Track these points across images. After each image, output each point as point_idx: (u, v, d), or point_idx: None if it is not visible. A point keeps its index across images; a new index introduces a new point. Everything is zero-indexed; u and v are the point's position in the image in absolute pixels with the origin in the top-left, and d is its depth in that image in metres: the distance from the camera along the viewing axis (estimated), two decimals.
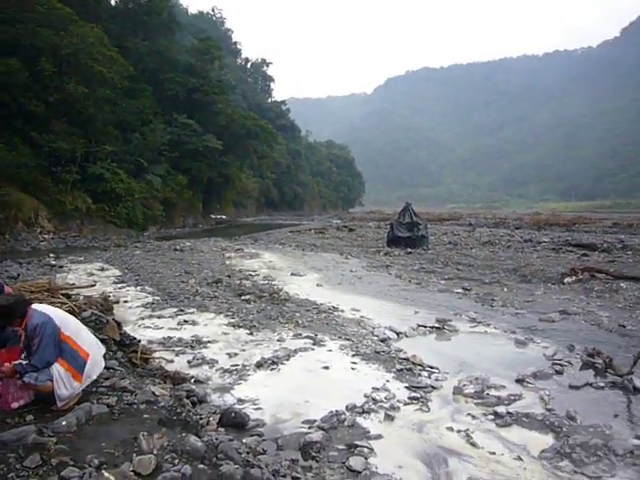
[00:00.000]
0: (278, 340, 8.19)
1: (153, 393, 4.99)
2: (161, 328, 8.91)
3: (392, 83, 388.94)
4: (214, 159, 51.37)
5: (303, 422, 5.14)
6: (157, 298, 11.48)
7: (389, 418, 5.26)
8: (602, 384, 6.53)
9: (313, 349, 7.73)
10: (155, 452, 3.72)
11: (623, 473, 4.44)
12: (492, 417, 5.40)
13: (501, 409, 5.53)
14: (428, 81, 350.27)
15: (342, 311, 10.39)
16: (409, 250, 21.74)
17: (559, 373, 6.88)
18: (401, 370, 6.76)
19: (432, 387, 6.15)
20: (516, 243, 23.64)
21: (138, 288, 12.82)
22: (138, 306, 10.69)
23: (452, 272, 15.75)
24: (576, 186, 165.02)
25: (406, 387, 6.15)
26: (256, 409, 5.46)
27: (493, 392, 6.08)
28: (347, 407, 5.46)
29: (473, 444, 4.79)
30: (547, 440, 4.99)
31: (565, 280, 13.18)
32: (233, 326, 9.10)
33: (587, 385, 6.50)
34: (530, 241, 24.32)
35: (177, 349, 7.62)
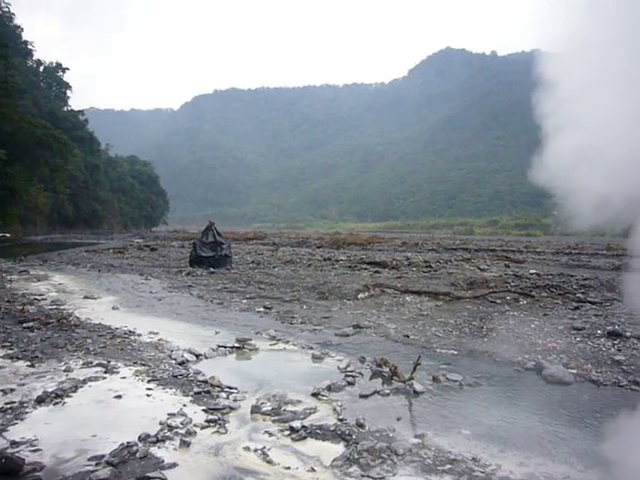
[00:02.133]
0: (65, 370, 7.51)
1: None
2: None
3: (200, 101, 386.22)
4: None
5: (89, 459, 4.75)
6: None
7: (185, 444, 5.11)
8: (388, 391, 7.09)
9: (105, 377, 7.23)
10: None
11: (403, 471, 4.85)
12: (288, 432, 5.54)
13: (296, 424, 5.70)
14: (236, 102, 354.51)
15: (139, 335, 9.92)
16: (212, 270, 21.62)
17: (351, 384, 7.30)
18: (199, 393, 6.63)
19: (230, 408, 6.12)
20: (316, 262, 24.81)
21: None
22: None
23: (254, 291, 15.99)
24: (372, 208, 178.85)
25: (203, 410, 6.04)
26: (34, 451, 4.92)
27: (290, 407, 6.25)
28: (140, 437, 5.17)
29: (269, 461, 4.86)
30: (338, 449, 5.26)
31: (359, 296, 14.14)
32: (11, 358, 8.12)
33: (375, 393, 7.00)
34: (329, 259, 25.71)
35: None
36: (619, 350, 8.77)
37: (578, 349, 9.03)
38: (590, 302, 12.93)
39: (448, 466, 4.93)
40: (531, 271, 19.08)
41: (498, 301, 13.12)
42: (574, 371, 7.89)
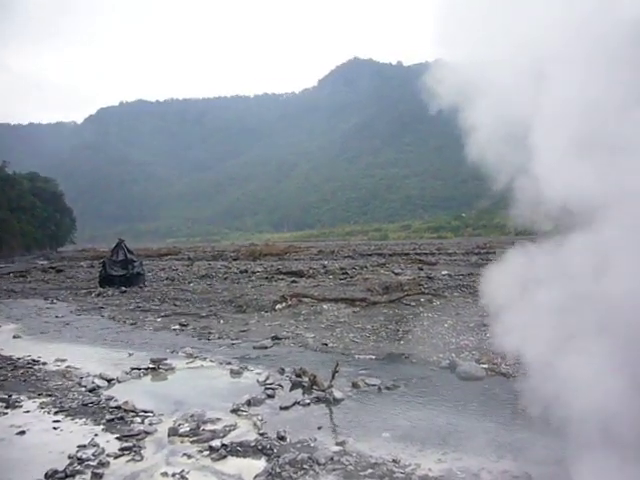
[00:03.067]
0: None
1: None
2: None
3: (105, 113, 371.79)
4: None
5: None
6: None
7: (97, 477, 4.83)
8: (308, 400, 7.08)
9: (6, 413, 6.75)
10: None
11: None
12: (207, 452, 5.39)
13: (216, 442, 5.55)
14: (143, 114, 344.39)
15: (44, 363, 9.35)
16: (124, 289, 20.84)
17: (271, 397, 7.23)
18: (112, 420, 6.31)
19: (146, 432, 5.88)
20: (232, 274, 24.53)
21: None
22: None
23: (169, 308, 15.57)
24: (287, 217, 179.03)
25: (117, 438, 5.75)
26: None
27: (209, 426, 6.09)
28: (47, 475, 4.83)
29: None
30: (260, 464, 5.17)
31: (276, 307, 14.08)
32: None
33: (296, 404, 6.97)
34: (246, 272, 25.48)
35: None
36: None
37: (489, 344, 9.39)
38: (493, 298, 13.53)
39: (369, 470, 4.96)
40: (443, 272, 19.78)
41: (413, 303, 13.48)
42: (485, 366, 8.21)
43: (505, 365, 8.19)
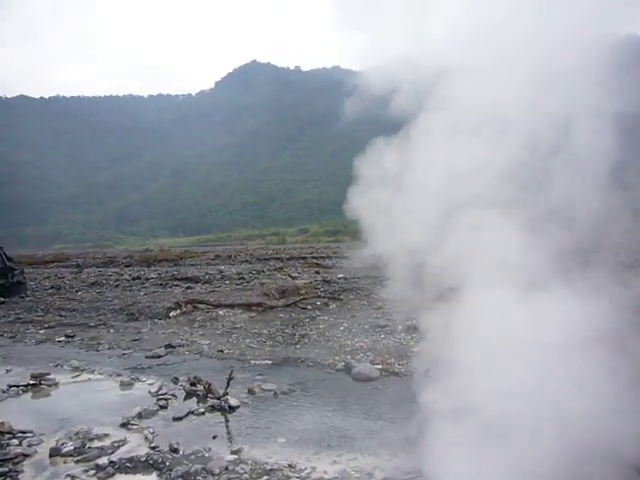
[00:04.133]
0: None
1: None
2: None
3: None
4: None
5: None
6: None
7: None
8: (203, 410, 6.91)
9: None
10: None
11: None
12: (94, 472, 5.10)
13: (103, 460, 5.27)
14: (27, 111, 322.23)
15: None
16: (2, 299, 19.33)
17: (164, 408, 7.00)
18: None
19: (24, 455, 5.45)
20: (124, 282, 23.52)
21: None
22: None
23: (54, 319, 14.62)
24: (184, 222, 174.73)
25: None
26: None
27: (96, 443, 5.78)
28: None
29: None
30: None
31: (171, 314, 13.66)
32: None
33: (190, 414, 6.78)
34: (139, 278, 24.52)
35: None
36: (416, 342, 9.57)
37: (382, 345, 9.68)
38: (392, 300, 13.95)
39: (265, 477, 4.92)
40: (339, 275, 20.09)
41: (309, 307, 13.59)
42: (380, 366, 8.42)
43: (398, 365, 8.46)
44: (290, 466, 5.14)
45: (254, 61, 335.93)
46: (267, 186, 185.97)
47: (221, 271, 25.35)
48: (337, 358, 9.02)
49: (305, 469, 5.09)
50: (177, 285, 20.57)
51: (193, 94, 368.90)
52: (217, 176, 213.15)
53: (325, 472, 5.00)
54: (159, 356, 9.80)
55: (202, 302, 14.53)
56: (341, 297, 14.72)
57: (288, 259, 32.68)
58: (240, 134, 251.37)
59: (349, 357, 8.99)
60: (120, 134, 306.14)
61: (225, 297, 15.71)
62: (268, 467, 5.13)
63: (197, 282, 20.98)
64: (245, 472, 5.03)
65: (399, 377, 7.96)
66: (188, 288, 19.26)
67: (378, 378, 8.00)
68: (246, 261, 33.93)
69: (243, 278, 21.37)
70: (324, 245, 60.32)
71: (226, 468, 5.12)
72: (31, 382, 8.18)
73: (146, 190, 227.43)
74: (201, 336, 11.36)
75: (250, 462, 5.24)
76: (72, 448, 5.59)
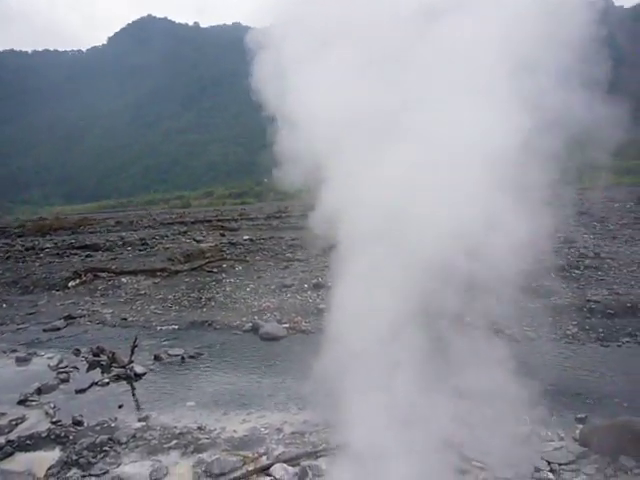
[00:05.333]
0: None
1: None
2: None
3: None
4: None
5: None
6: None
7: None
8: (107, 380, 6.75)
9: None
10: None
11: (128, 459, 4.68)
12: None
13: (0, 440, 5.05)
14: None
15: None
16: None
17: (65, 381, 6.76)
18: None
19: None
20: (17, 253, 22.08)
21: None
22: None
23: None
24: (80, 188, 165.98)
25: None
26: None
27: None
28: None
29: None
30: (54, 455, 4.83)
31: (69, 284, 13.06)
32: None
33: (93, 385, 6.61)
34: (32, 249, 23.08)
35: None
36: (322, 300, 9.77)
37: (289, 304, 9.80)
38: (298, 260, 14.10)
39: (174, 441, 4.92)
40: (245, 237, 20.00)
41: (215, 270, 13.46)
42: (287, 325, 8.55)
43: (305, 323, 8.62)
44: (200, 428, 5.17)
45: (149, 15, 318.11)
46: (169, 149, 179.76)
47: (122, 237, 24.43)
48: (244, 319, 9.05)
49: (215, 430, 5.14)
50: (76, 254, 19.58)
51: (84, 51, 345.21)
52: (115, 138, 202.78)
53: (235, 431, 5.07)
54: (58, 328, 9.39)
55: (103, 270, 13.99)
56: (247, 259, 14.69)
57: (193, 223, 32.02)
58: (138, 94, 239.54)
59: (256, 318, 9.04)
60: (2, 94, 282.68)
61: (128, 264, 15.20)
62: (177, 431, 5.13)
63: (97, 250, 20.08)
64: (154, 438, 5.01)
65: (306, 335, 8.13)
66: (88, 257, 18.41)
67: (286, 337, 8.13)
68: (149, 226, 32.85)
69: (146, 244, 20.72)
70: (230, 208, 59.68)
71: (134, 436, 5.06)
72: None
73: (35, 155, 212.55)
74: (103, 305, 10.98)
75: (159, 428, 5.22)
76: None
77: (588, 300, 8.69)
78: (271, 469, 4.19)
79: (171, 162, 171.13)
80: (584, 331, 7.63)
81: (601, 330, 7.60)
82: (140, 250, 18.96)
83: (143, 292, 11.83)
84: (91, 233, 31.21)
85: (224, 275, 12.92)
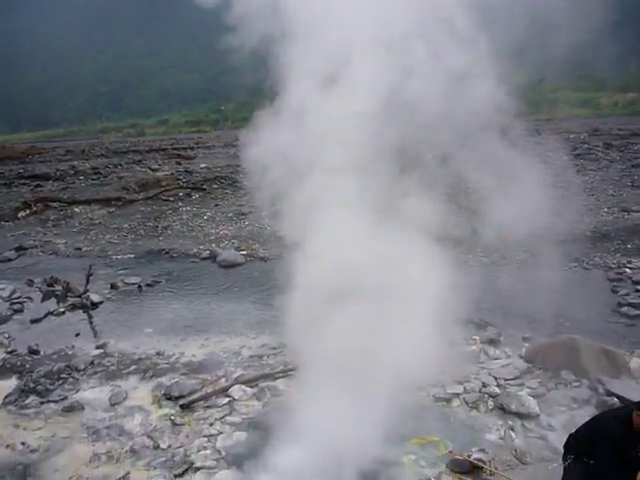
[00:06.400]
0: None
1: None
2: None
3: None
4: None
5: None
6: None
7: None
8: (63, 309, 6.69)
9: None
10: None
11: (87, 385, 4.68)
12: None
13: None
14: None
15: None
16: None
17: (19, 312, 6.69)
18: None
19: None
20: None
21: None
22: None
23: None
24: (26, 115, 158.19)
25: None
26: None
27: None
28: None
29: None
30: (10, 383, 4.82)
31: (19, 215, 12.62)
32: None
33: (49, 315, 6.55)
34: None
35: None
36: (280, 227, 9.77)
37: (247, 232, 9.79)
38: (256, 187, 13.95)
39: (133, 367, 4.95)
40: (201, 165, 19.59)
41: (171, 199, 13.23)
42: (245, 252, 8.56)
43: (263, 250, 8.64)
44: (158, 354, 5.21)
45: None
46: (121, 74, 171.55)
47: (74, 167, 23.58)
48: (202, 247, 9.01)
49: (173, 355, 5.19)
50: (25, 184, 18.82)
51: None
52: (62, 62, 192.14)
53: (194, 356, 5.13)
54: (9, 259, 9.16)
55: (54, 200, 13.57)
56: (204, 187, 14.46)
57: (147, 151, 31.11)
58: (88, 15, 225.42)
59: (214, 245, 9.02)
60: None
61: (80, 193, 14.76)
62: (136, 357, 5.16)
63: (47, 180, 19.32)
64: (112, 364, 5.03)
65: (264, 261, 8.17)
66: (37, 186, 17.74)
67: (244, 264, 8.15)
68: (102, 155, 31.80)
69: (99, 173, 20.07)
70: (186, 136, 58.11)
71: (92, 363, 5.07)
72: None
73: None
74: (56, 235, 10.71)
75: (117, 355, 5.24)
76: None
77: (539, 228, 8.94)
78: (230, 390, 4.28)
79: (123, 89, 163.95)
80: (534, 257, 7.89)
81: (550, 256, 7.87)
82: (93, 179, 18.37)
83: (97, 222, 11.57)
84: (40, 162, 29.99)
85: (181, 204, 12.73)
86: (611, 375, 4.31)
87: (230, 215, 10.96)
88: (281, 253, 8.33)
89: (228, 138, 40.00)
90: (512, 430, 3.71)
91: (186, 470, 3.37)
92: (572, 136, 22.94)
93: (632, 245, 8.08)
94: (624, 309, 5.85)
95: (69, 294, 7.11)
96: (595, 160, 15.83)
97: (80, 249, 9.54)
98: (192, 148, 31.49)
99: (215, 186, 14.70)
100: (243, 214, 10.90)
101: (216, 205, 12.14)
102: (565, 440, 2.67)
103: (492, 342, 5.14)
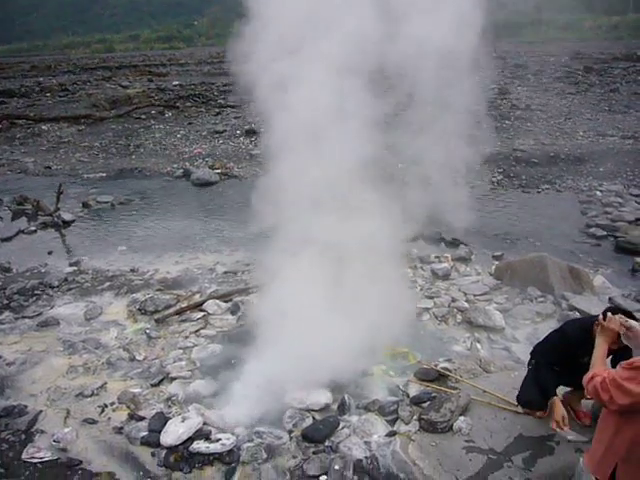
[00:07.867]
0: None
1: None
2: None
3: None
4: None
5: None
6: None
7: None
8: (34, 227, 6.60)
9: None
10: None
11: (61, 301, 4.69)
12: None
13: None
14: None
15: None
16: None
17: None
18: None
19: None
20: None
21: None
22: None
23: None
24: None
25: None
26: None
27: None
28: None
29: None
30: None
31: None
32: None
33: (20, 233, 6.47)
34: None
35: None
36: (255, 146, 9.62)
37: (221, 150, 9.62)
38: (230, 106, 13.60)
39: (107, 283, 4.95)
40: (174, 83, 18.95)
41: (143, 116, 12.84)
42: (219, 171, 8.44)
43: (237, 168, 8.54)
44: (132, 271, 5.20)
45: None
46: None
47: (40, 83, 22.65)
48: (175, 166, 8.86)
49: (148, 272, 5.19)
50: None
51: None
52: None
53: (168, 272, 5.14)
54: None
55: (20, 117, 13.09)
56: (177, 105, 14.05)
57: (118, 68, 29.93)
58: None
59: (187, 164, 8.88)
60: None
61: (48, 111, 14.25)
62: (110, 274, 5.15)
63: (12, 96, 18.54)
64: (86, 281, 5.02)
65: (238, 180, 8.09)
66: (1, 103, 17.05)
67: (218, 182, 8.06)
68: (69, 72, 30.48)
69: (67, 90, 19.31)
70: (158, 53, 55.84)
71: (65, 280, 5.05)
72: None
73: None
74: (24, 154, 10.40)
75: (91, 271, 5.22)
76: None
77: (515, 149, 8.96)
78: (204, 305, 4.33)
79: (89, 0, 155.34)
80: (508, 178, 7.95)
81: (524, 177, 7.94)
82: (61, 96, 17.69)
83: (67, 140, 11.23)
84: (3, 78, 28.68)
85: (153, 122, 12.38)
86: (575, 291, 4.45)
87: (204, 134, 10.73)
88: (256, 172, 8.28)
89: (202, 55, 38.56)
90: (478, 342, 3.84)
91: (162, 380, 3.43)
92: (552, 59, 22.62)
93: (604, 169, 8.16)
94: (592, 230, 5.97)
95: (40, 213, 7.00)
96: (574, 84, 15.71)
97: (49, 168, 9.30)
98: (164, 65, 30.45)
99: (188, 104, 14.29)
100: (217, 132, 10.69)
101: (189, 123, 11.85)
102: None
103: (463, 260, 5.24)
